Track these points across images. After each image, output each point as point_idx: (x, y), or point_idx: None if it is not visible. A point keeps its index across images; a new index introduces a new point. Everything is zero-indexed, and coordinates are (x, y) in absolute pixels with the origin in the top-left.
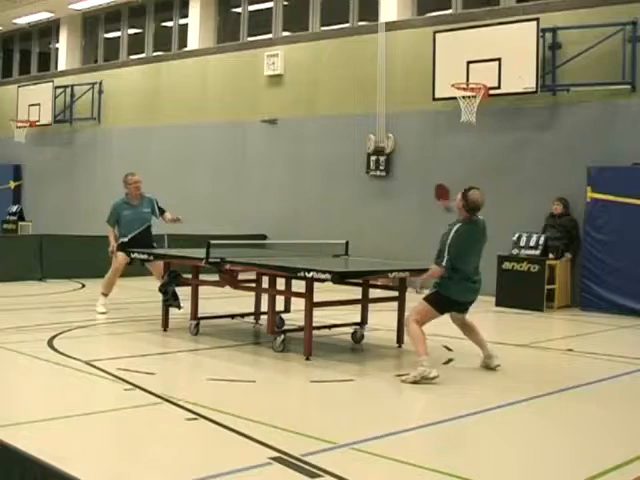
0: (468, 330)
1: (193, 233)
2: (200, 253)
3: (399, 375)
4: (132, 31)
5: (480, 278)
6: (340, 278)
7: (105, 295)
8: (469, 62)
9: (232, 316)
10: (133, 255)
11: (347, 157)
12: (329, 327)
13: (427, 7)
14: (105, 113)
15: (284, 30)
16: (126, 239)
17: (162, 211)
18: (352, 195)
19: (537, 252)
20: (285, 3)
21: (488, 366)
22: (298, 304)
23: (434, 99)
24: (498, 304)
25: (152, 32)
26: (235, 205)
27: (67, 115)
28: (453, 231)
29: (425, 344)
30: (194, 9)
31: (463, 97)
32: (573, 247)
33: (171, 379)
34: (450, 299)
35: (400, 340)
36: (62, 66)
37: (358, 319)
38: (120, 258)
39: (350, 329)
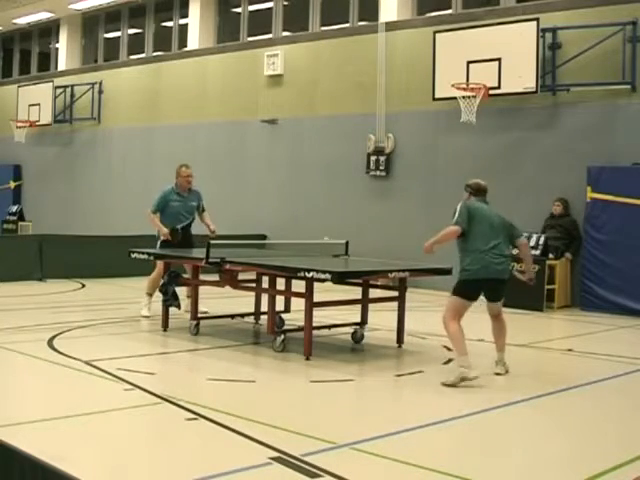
0: (496, 329)
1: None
2: (200, 253)
3: (399, 375)
4: (132, 31)
5: (502, 257)
6: (340, 278)
7: (150, 295)
8: (469, 62)
9: (232, 316)
10: (133, 255)
11: (347, 157)
12: (329, 327)
13: (427, 7)
14: (105, 113)
15: (284, 30)
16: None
17: (202, 209)
18: (352, 195)
19: (537, 252)
20: (285, 3)
21: (494, 369)
22: (298, 304)
23: (434, 99)
24: None
25: (152, 32)
26: (235, 205)
27: (67, 115)
28: (460, 204)
29: (464, 343)
30: (194, 9)
31: (463, 97)
32: (573, 247)
33: (171, 379)
34: (469, 280)
35: (400, 340)
36: (62, 66)
37: (358, 319)
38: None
39: (350, 329)
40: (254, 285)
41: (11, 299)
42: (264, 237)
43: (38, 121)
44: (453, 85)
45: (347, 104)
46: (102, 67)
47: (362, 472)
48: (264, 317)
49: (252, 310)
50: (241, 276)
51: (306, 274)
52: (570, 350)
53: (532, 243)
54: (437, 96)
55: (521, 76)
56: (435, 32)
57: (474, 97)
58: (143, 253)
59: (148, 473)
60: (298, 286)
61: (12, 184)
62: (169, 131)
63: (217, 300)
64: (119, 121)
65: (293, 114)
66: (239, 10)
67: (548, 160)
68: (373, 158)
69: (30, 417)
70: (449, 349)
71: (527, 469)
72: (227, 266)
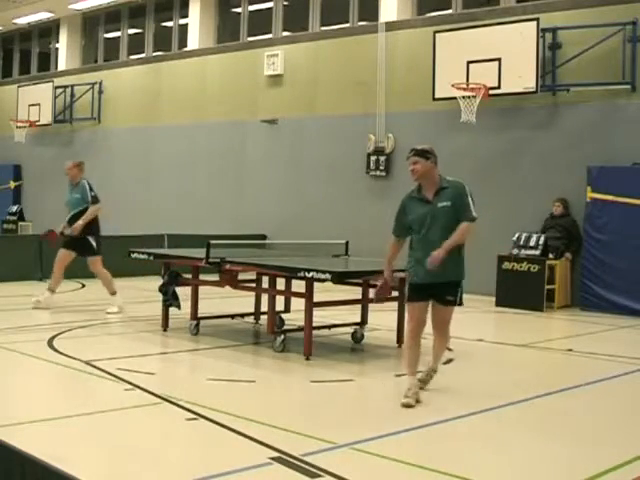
0: (435, 334)
1: (193, 233)
2: (200, 253)
3: (399, 375)
4: (132, 31)
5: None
6: (340, 278)
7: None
8: (469, 62)
9: (232, 316)
10: (133, 255)
11: (347, 157)
12: (329, 327)
13: (427, 7)
14: (105, 113)
15: (284, 30)
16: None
17: (95, 200)
18: (352, 195)
19: (537, 252)
20: (285, 3)
21: (420, 380)
22: (298, 304)
23: (434, 99)
24: (498, 304)
25: (152, 32)
26: (235, 205)
27: (67, 115)
28: (466, 188)
29: (413, 364)
30: (194, 9)
31: (463, 97)
32: (573, 247)
33: (171, 379)
34: (410, 284)
35: (400, 340)
36: (62, 66)
37: (358, 319)
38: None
39: (350, 329)
40: (254, 285)
41: (11, 299)
42: (264, 237)
43: (38, 121)
44: (453, 85)
45: (347, 104)
46: (102, 67)
47: (362, 472)
48: (264, 317)
49: (252, 310)
50: (241, 276)
51: (306, 274)
52: (570, 350)
53: (532, 243)
54: (437, 96)
55: (521, 76)
56: (435, 32)
57: (474, 97)
58: (143, 253)
59: (148, 473)
60: (298, 286)
61: (12, 184)
62: (169, 131)
63: (217, 300)
64: (119, 121)
65: (293, 114)
66: (239, 10)
67: (548, 160)
68: (373, 158)
69: (30, 417)
70: (449, 349)
71: (527, 469)
72: (227, 266)
